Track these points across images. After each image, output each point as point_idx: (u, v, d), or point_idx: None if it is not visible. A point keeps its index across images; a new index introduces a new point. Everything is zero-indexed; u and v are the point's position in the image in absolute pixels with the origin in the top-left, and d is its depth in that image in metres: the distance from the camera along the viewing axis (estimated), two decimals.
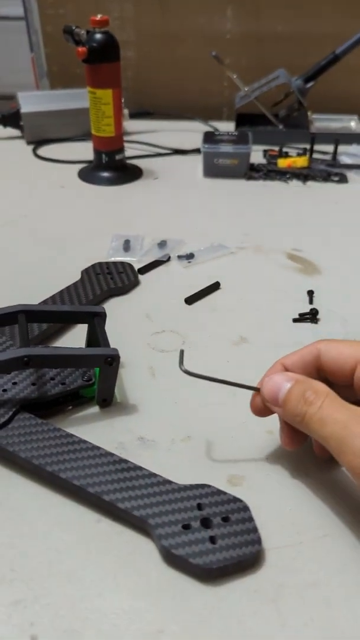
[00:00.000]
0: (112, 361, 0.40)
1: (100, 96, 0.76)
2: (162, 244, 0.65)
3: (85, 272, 0.58)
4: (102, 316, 0.45)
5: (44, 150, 0.93)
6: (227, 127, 1.01)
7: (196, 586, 0.31)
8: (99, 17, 0.73)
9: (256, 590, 0.31)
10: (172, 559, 0.32)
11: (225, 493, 0.35)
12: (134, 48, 1.08)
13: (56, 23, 1.07)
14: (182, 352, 0.38)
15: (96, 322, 0.44)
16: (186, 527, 0.33)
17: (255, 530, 0.33)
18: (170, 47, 1.07)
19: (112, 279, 0.57)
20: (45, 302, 0.52)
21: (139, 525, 0.34)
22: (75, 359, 0.40)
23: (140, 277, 0.60)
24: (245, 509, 0.34)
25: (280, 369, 0.38)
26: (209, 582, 0.31)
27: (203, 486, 0.35)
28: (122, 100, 0.79)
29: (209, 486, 0.35)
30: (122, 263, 0.60)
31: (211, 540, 0.32)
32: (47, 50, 1.09)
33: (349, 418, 0.31)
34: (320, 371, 0.37)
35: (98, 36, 0.73)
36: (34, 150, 0.92)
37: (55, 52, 1.10)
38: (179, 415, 0.42)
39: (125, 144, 0.83)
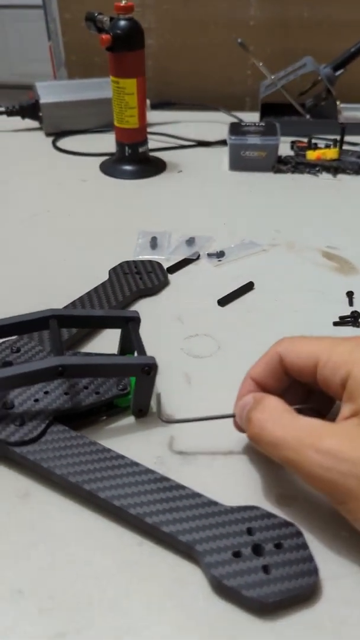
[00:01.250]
0: (149, 370, 0.38)
1: (123, 86, 0.73)
2: (191, 241, 0.63)
3: (113, 271, 0.56)
4: (137, 321, 0.42)
5: (63, 142, 0.91)
6: (250, 117, 0.98)
7: (250, 620, 0.29)
8: (123, 2, 0.70)
9: (315, 626, 0.28)
10: (223, 590, 0.29)
11: (275, 516, 0.32)
12: (154, 36, 1.05)
13: (75, 10, 1.04)
14: (158, 396, 0.39)
15: (130, 328, 0.42)
16: (237, 554, 0.30)
17: (310, 558, 0.30)
18: (192, 34, 1.04)
19: (141, 279, 0.55)
20: (73, 304, 0.50)
21: (185, 551, 0.31)
22: (111, 368, 0.38)
23: (169, 276, 0.57)
24: (299, 534, 0.31)
25: (249, 383, 0.38)
26: (263, 616, 0.29)
27: (252, 508, 0.33)
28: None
29: (257, 508, 0.33)
30: (151, 262, 0.58)
31: (264, 569, 0.30)
32: (66, 38, 1.06)
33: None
34: (287, 374, 0.36)
35: (122, 23, 0.70)
36: (54, 142, 0.90)
37: (74, 41, 1.07)
38: (220, 427, 0.40)
39: (148, 136, 0.80)
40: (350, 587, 0.30)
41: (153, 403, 0.41)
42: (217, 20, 1.02)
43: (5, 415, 0.37)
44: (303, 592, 0.29)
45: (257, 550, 0.31)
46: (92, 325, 0.44)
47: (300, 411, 0.33)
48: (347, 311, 0.51)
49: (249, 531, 0.31)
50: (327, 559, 0.31)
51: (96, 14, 0.73)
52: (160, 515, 0.32)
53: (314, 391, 0.37)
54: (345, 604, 0.29)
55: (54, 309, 0.41)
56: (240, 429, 0.37)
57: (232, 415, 0.38)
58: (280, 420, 0.32)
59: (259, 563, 0.30)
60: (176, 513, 0.32)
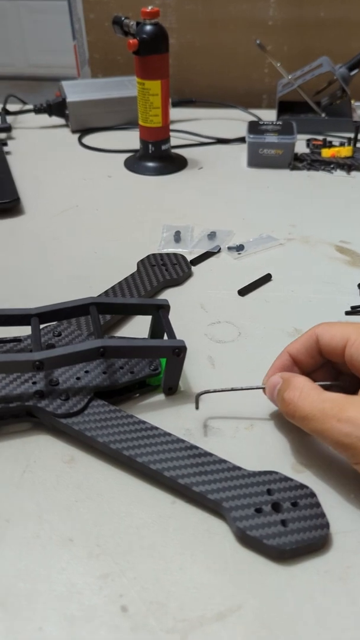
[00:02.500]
0: (179, 352, 0.43)
1: (148, 87, 0.77)
2: (212, 235, 0.67)
3: (141, 263, 0.61)
4: (167, 308, 0.47)
5: (88, 139, 0.95)
6: (267, 114, 1.02)
7: (270, 565, 0.33)
8: (149, 8, 0.74)
9: (326, 571, 0.33)
10: (247, 540, 0.34)
11: (292, 480, 0.37)
12: (175, 35, 1.08)
13: (99, 11, 1.08)
14: (197, 396, 0.43)
15: (161, 314, 0.46)
16: (258, 510, 0.35)
17: (323, 515, 0.35)
18: (212, 34, 1.08)
19: (167, 271, 0.60)
20: (106, 293, 0.55)
21: (213, 508, 0.36)
22: (145, 349, 0.42)
23: (192, 268, 0.62)
24: (312, 495, 0.36)
25: (286, 357, 0.42)
26: (281, 562, 0.34)
27: (271, 473, 0.37)
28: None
29: (276, 473, 0.37)
30: (175, 254, 0.62)
31: (282, 523, 0.34)
32: (89, 37, 1.10)
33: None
34: (321, 354, 0.41)
35: (148, 28, 0.74)
36: (80, 139, 0.94)
37: (97, 40, 1.11)
38: (241, 403, 0.45)
39: (170, 134, 0.85)
40: (357, 540, 0.35)
41: (181, 383, 0.46)
42: (237, 20, 1.05)
43: (51, 391, 0.42)
44: (315, 542, 0.34)
45: (276, 507, 0.35)
46: (126, 312, 0.48)
47: (327, 388, 0.38)
48: (358, 301, 0.56)
49: (269, 492, 0.36)
50: (337, 516, 0.36)
51: (123, 18, 0.77)
52: (192, 477, 0.37)
53: (343, 372, 0.42)
54: (353, 554, 0.34)
55: (94, 297, 0.46)
56: (271, 399, 0.42)
57: (261, 387, 0.42)
58: (308, 397, 0.37)
59: (278, 518, 0.35)
60: (205, 476, 0.37)
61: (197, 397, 0.43)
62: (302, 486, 0.37)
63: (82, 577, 0.33)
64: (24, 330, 0.47)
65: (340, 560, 0.34)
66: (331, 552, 0.34)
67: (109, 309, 0.46)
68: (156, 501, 0.37)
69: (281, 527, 0.34)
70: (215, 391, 0.43)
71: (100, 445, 0.39)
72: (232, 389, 0.43)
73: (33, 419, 0.42)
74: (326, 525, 0.34)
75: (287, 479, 0.37)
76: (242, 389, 0.43)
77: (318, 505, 0.35)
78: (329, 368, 0.43)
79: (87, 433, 0.40)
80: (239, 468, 0.38)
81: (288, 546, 0.33)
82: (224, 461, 0.38)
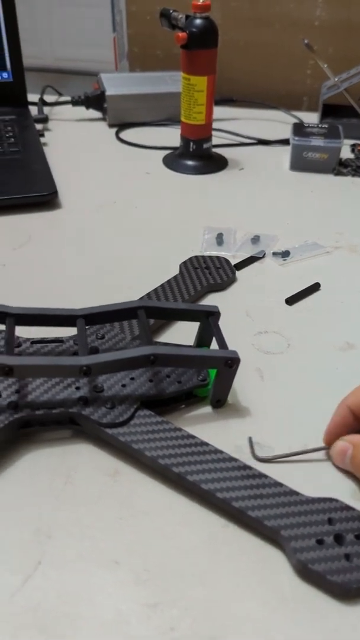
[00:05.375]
0: (232, 364, 0.40)
1: (194, 83, 0.75)
2: (256, 239, 0.65)
3: (184, 265, 0.58)
4: (217, 316, 0.44)
5: (126, 134, 0.93)
6: (308, 116, 0.99)
7: (333, 604, 0.31)
8: (200, 1, 0.71)
9: None
10: (308, 574, 0.32)
11: (354, 509, 0.34)
12: (219, 33, 1.05)
13: (141, 3, 1.06)
14: (250, 439, 0.40)
15: (211, 322, 0.44)
16: (320, 542, 0.32)
17: None
18: (256, 32, 1.05)
19: (210, 274, 0.57)
20: (148, 295, 0.52)
21: (269, 536, 0.34)
22: (197, 359, 0.40)
23: (236, 273, 0.59)
24: None
25: (346, 412, 0.39)
26: (346, 600, 0.31)
27: (331, 500, 0.35)
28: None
29: (336, 500, 0.35)
30: (219, 258, 0.60)
31: (346, 557, 0.32)
32: (130, 30, 1.08)
33: None
34: None
35: (198, 21, 0.72)
36: (117, 134, 0.92)
37: (138, 33, 1.09)
38: (294, 421, 0.42)
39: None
40: None
41: (230, 397, 0.43)
42: (283, 19, 1.03)
43: (96, 397, 0.40)
44: None
45: (339, 539, 0.33)
46: (175, 318, 0.46)
47: None
48: None
49: (330, 521, 0.34)
50: None
51: (171, 11, 0.75)
52: (246, 501, 0.34)
53: None
54: None
55: (143, 299, 0.43)
56: (342, 467, 0.38)
57: (323, 449, 0.39)
58: None
59: (341, 551, 0.32)
60: (261, 500, 0.34)
61: (251, 440, 0.40)
62: None
63: (130, 604, 0.31)
64: (64, 331, 0.45)
65: None
66: None
67: (157, 314, 0.44)
68: (206, 523, 0.35)
69: (345, 562, 0.32)
70: (274, 459, 0.39)
71: (148, 460, 0.37)
72: (288, 455, 0.39)
73: (75, 427, 0.40)
74: None
75: (348, 507, 0.34)
76: (302, 453, 0.39)
77: None
78: None
79: (134, 445, 0.37)
80: (297, 493, 0.35)
81: (355, 584, 0.31)
82: (280, 484, 0.36)
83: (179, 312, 0.44)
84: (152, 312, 0.43)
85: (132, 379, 0.42)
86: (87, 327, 0.46)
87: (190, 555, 0.33)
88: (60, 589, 0.31)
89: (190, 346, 0.46)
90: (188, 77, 0.75)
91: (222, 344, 0.42)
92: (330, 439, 0.39)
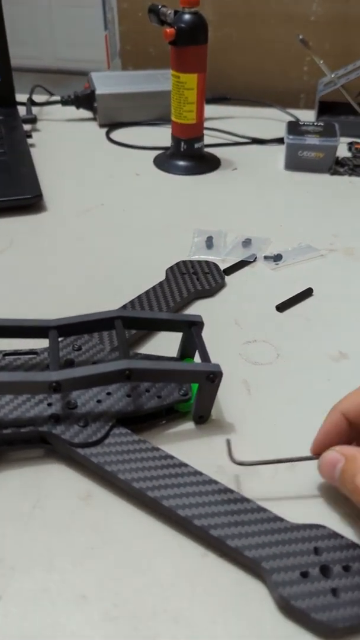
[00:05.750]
0: (214, 378, 0.38)
1: (184, 80, 0.72)
2: (247, 243, 0.62)
3: (170, 270, 0.56)
4: (200, 326, 0.42)
5: (116, 134, 0.90)
6: (305, 114, 0.96)
7: None
8: None
9: None
10: (291, 611, 0.29)
11: (342, 537, 0.32)
12: (211, 29, 1.02)
13: (133, 0, 1.03)
14: (228, 441, 0.35)
15: (194, 332, 0.41)
16: (304, 574, 0.30)
17: None
18: (250, 28, 1.03)
19: (198, 280, 0.54)
20: (132, 302, 0.50)
21: (250, 566, 0.31)
22: (177, 374, 0.37)
23: (225, 278, 0.57)
24: None
25: (339, 418, 0.35)
26: None
27: (317, 527, 0.32)
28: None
29: (323, 527, 0.32)
30: (207, 262, 0.57)
31: (333, 592, 0.29)
32: (122, 28, 1.05)
33: None
34: None
35: (187, 17, 0.69)
36: (107, 134, 0.89)
37: (130, 31, 1.06)
38: (281, 438, 0.39)
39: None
40: None
41: (213, 412, 0.41)
42: (278, 15, 1.00)
43: (68, 415, 0.37)
44: None
45: (325, 571, 0.30)
46: (155, 328, 0.43)
47: None
48: None
49: (316, 551, 0.31)
50: None
51: (159, 7, 0.72)
52: (226, 529, 0.32)
53: None
54: None
55: (120, 309, 0.41)
56: (329, 480, 0.34)
57: (311, 458, 0.35)
58: None
59: (327, 585, 0.29)
60: (241, 527, 0.32)
61: (229, 444, 0.35)
62: (355, 546, 0.31)
63: None
64: (40, 343, 0.43)
65: None
66: None
67: (136, 324, 0.41)
68: (184, 553, 0.32)
69: (331, 597, 0.29)
70: (253, 464, 0.35)
71: (122, 483, 0.34)
72: (268, 462, 0.35)
73: (47, 446, 0.38)
74: None
75: (336, 535, 0.32)
76: (286, 461, 0.35)
77: None
78: None
79: (107, 467, 0.35)
80: (281, 519, 0.33)
81: (341, 623, 0.28)
82: (264, 510, 0.33)
83: (160, 322, 0.42)
84: (131, 323, 0.41)
85: (108, 394, 0.39)
86: (63, 338, 0.44)
87: (166, 591, 0.31)
88: (21, 627, 0.29)
89: (172, 358, 0.43)
90: (177, 75, 0.73)
91: (204, 356, 0.39)
92: (319, 449, 0.35)
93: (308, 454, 0.37)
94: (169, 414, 0.41)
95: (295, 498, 0.35)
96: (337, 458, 0.33)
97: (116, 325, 0.40)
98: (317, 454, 0.35)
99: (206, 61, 0.72)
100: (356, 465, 0.31)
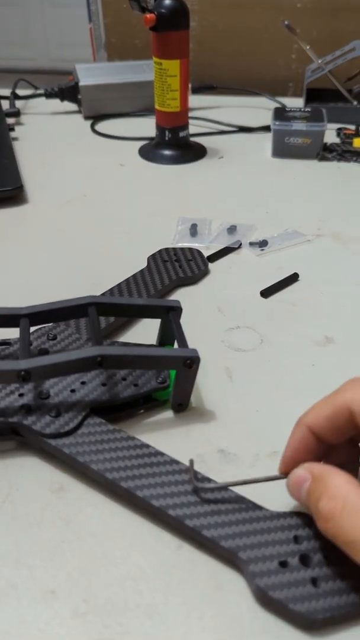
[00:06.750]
0: (191, 363, 0.36)
1: (166, 67, 0.71)
2: (232, 229, 0.61)
3: (152, 258, 0.54)
4: (178, 311, 0.40)
5: (102, 126, 0.89)
6: (294, 102, 0.95)
7: (296, 635, 0.27)
8: None
9: None
10: (268, 602, 0.28)
11: None
12: (197, 17, 1.02)
13: None
14: (191, 462, 0.33)
15: (171, 318, 0.40)
16: (283, 564, 0.28)
17: None
18: (236, 16, 1.01)
19: (180, 267, 0.53)
20: (111, 291, 0.48)
21: (227, 557, 0.30)
22: (151, 360, 0.36)
23: (209, 265, 0.55)
24: None
25: (306, 434, 0.31)
26: (310, 632, 0.27)
27: (298, 514, 0.31)
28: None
29: (304, 515, 0.31)
30: (191, 249, 0.56)
31: (312, 582, 0.28)
32: (107, 20, 1.04)
33: None
34: (356, 427, 0.30)
35: (167, 2, 0.68)
36: (92, 126, 0.88)
37: (115, 23, 1.05)
38: (263, 425, 0.38)
39: (189, 120, 0.78)
40: None
41: (193, 398, 0.39)
42: (264, 2, 0.98)
43: (40, 405, 0.36)
44: (355, 609, 0.27)
45: (305, 560, 0.29)
46: (131, 315, 0.42)
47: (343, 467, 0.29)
48: None
49: (296, 539, 0.29)
50: None
51: None
52: (202, 519, 0.30)
53: None
54: None
55: (93, 295, 0.39)
56: (297, 500, 0.30)
57: (280, 478, 0.32)
58: (356, 513, 0.26)
59: (307, 575, 0.28)
60: (218, 517, 0.30)
61: (191, 464, 0.33)
62: None
63: None
64: (15, 333, 0.41)
65: None
66: None
67: (111, 311, 0.40)
68: (159, 545, 0.31)
69: (311, 587, 0.27)
70: (218, 488, 0.32)
71: (95, 474, 0.33)
72: (233, 484, 0.31)
73: (18, 438, 0.36)
74: None
75: None
76: (251, 482, 0.31)
77: None
78: (350, 443, 0.32)
79: (79, 458, 0.33)
80: (260, 508, 0.31)
81: (320, 614, 0.26)
82: (242, 498, 0.31)
83: (136, 308, 0.40)
84: (105, 309, 0.39)
85: (83, 383, 0.38)
86: (39, 327, 0.43)
87: (139, 584, 0.29)
88: None
89: (151, 345, 0.42)
90: (160, 62, 0.71)
91: (182, 342, 0.38)
92: (288, 467, 0.31)
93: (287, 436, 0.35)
94: (147, 403, 0.39)
95: (276, 487, 0.34)
96: (304, 477, 0.29)
97: (89, 312, 0.38)
98: (285, 472, 0.31)
99: (189, 47, 0.71)
100: (321, 486, 0.28)
